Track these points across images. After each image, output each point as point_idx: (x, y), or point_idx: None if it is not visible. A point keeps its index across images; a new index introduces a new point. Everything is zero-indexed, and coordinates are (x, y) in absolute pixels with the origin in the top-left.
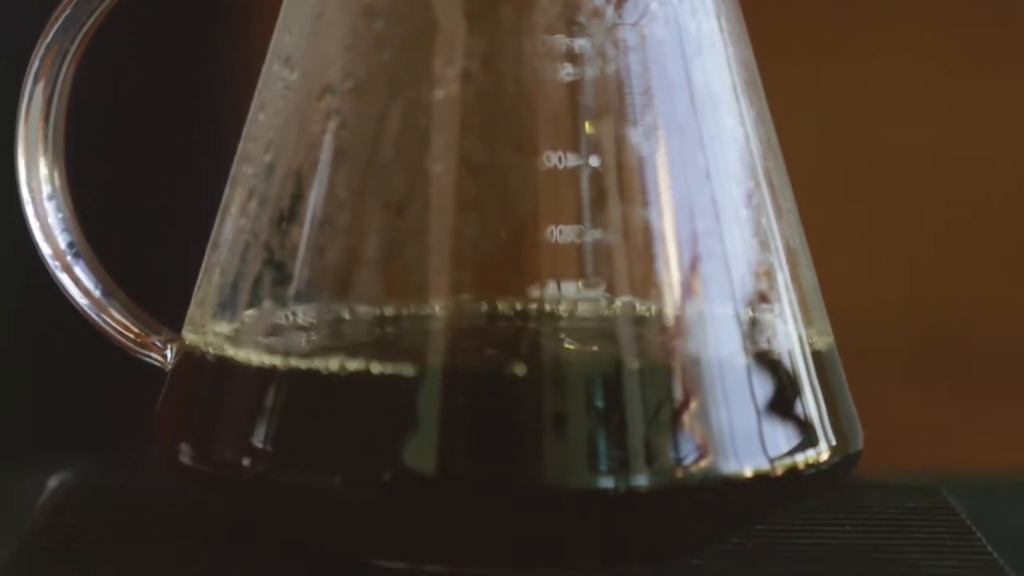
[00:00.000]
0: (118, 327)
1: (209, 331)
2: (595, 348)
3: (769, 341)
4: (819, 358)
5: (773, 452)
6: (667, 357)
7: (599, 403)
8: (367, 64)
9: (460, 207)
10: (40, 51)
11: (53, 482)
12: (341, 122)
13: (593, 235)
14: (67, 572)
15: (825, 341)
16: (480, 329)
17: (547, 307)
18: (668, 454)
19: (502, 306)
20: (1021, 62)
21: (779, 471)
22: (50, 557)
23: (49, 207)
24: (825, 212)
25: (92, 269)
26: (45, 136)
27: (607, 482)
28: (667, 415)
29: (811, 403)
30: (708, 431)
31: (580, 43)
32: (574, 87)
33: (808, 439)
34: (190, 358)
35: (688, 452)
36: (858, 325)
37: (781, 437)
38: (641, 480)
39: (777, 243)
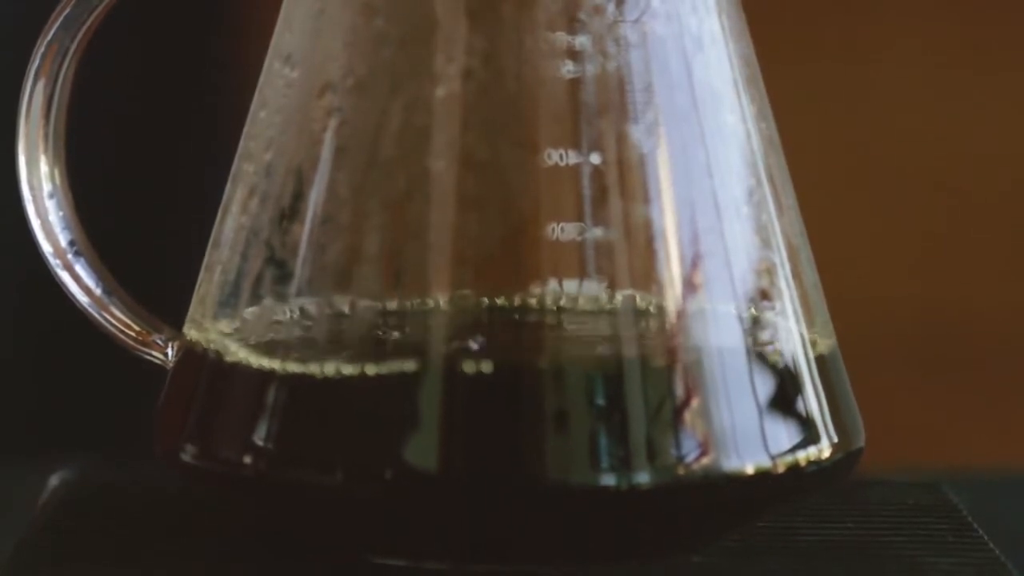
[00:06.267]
0: (119, 325)
1: (210, 329)
2: (596, 345)
3: (770, 338)
4: (820, 355)
5: (775, 449)
6: (669, 354)
7: (600, 400)
8: (368, 61)
9: (461, 205)
10: (40, 49)
11: (53, 480)
12: (342, 120)
13: (594, 232)
14: (67, 571)
15: (826, 338)
16: (481, 326)
17: (548, 304)
18: (670, 451)
19: (503, 303)
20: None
21: (781, 468)
22: (50, 556)
23: (50, 205)
24: (826, 209)
25: (93, 267)
26: (46, 134)
27: (609, 479)
28: (669, 412)
29: (812, 400)
30: (710, 428)
31: (581, 40)
32: (575, 84)
33: (810, 436)
34: (191, 356)
35: (690, 449)
36: (860, 322)
37: (783, 434)
38: (643, 477)
39: (778, 240)
